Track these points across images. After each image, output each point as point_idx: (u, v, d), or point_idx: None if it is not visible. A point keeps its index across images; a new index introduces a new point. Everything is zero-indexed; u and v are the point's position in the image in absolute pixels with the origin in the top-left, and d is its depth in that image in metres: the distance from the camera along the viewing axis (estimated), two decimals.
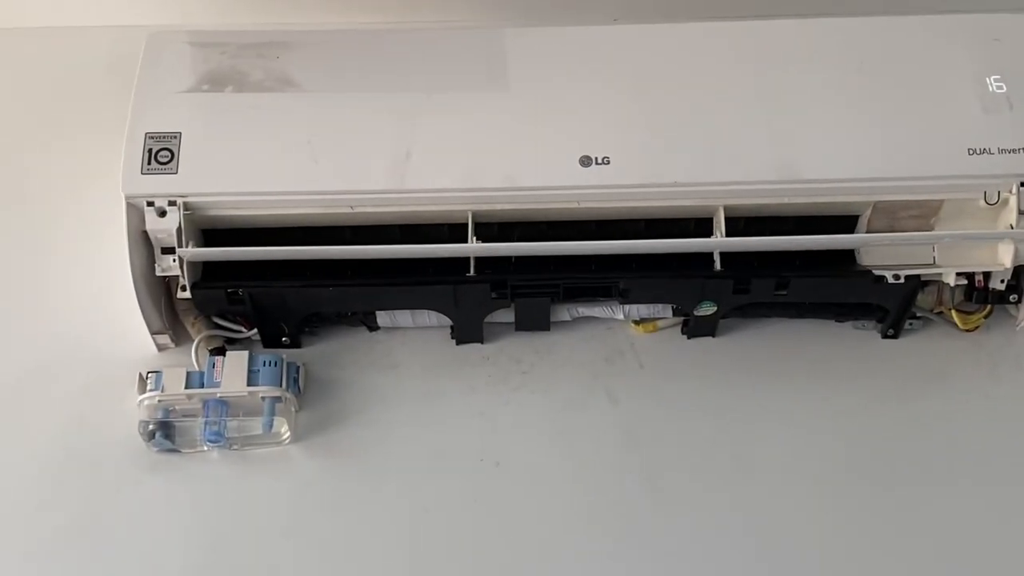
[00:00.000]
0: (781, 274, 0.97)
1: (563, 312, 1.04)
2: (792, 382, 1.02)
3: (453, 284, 0.97)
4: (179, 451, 0.97)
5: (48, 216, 1.09)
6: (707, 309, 1.00)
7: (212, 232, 0.98)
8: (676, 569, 0.93)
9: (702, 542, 0.94)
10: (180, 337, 1.03)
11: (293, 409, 0.98)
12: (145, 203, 0.94)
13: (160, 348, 1.03)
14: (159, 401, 0.96)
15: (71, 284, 1.06)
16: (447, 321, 1.03)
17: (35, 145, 1.14)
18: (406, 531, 0.94)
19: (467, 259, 0.97)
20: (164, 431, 0.96)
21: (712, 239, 0.96)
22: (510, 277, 0.97)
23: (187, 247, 0.95)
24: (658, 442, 0.99)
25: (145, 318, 0.98)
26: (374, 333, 1.05)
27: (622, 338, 1.05)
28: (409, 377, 1.02)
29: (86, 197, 1.08)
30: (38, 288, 1.06)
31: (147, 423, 0.96)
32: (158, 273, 0.96)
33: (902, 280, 0.98)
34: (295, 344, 1.03)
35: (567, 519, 0.95)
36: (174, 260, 0.96)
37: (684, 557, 0.93)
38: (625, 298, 1.00)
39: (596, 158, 0.95)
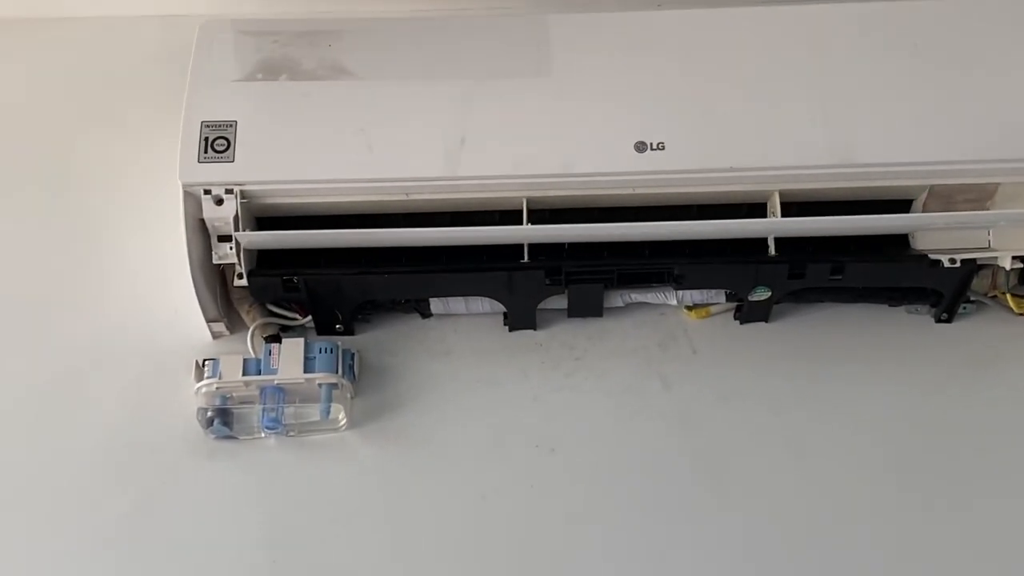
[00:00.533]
0: (837, 259, 0.97)
1: (616, 298, 1.04)
2: (845, 367, 1.02)
3: (508, 270, 0.97)
4: (236, 438, 0.98)
5: (103, 206, 1.10)
6: (761, 294, 1.00)
7: (267, 221, 0.98)
8: (730, 554, 0.93)
9: (756, 526, 0.94)
10: (233, 325, 1.04)
11: (349, 396, 0.99)
12: (202, 191, 0.94)
13: (215, 336, 1.03)
14: (217, 388, 0.97)
15: (124, 273, 1.07)
16: (500, 308, 1.03)
17: (90, 135, 1.14)
18: (464, 517, 0.95)
19: (520, 247, 0.97)
20: (222, 418, 0.96)
21: (769, 220, 0.96)
22: (564, 263, 0.98)
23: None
24: (712, 427, 0.99)
25: (201, 306, 0.99)
26: (427, 320, 1.05)
27: (675, 324, 1.05)
28: (463, 364, 1.03)
29: (140, 186, 1.09)
30: (91, 277, 1.07)
31: (205, 410, 0.96)
32: (215, 261, 0.97)
33: (958, 264, 0.97)
34: (348, 331, 1.04)
35: (623, 504, 0.95)
36: (231, 248, 0.96)
37: (738, 542, 0.93)
38: (679, 284, 1.00)
39: (651, 144, 0.95)
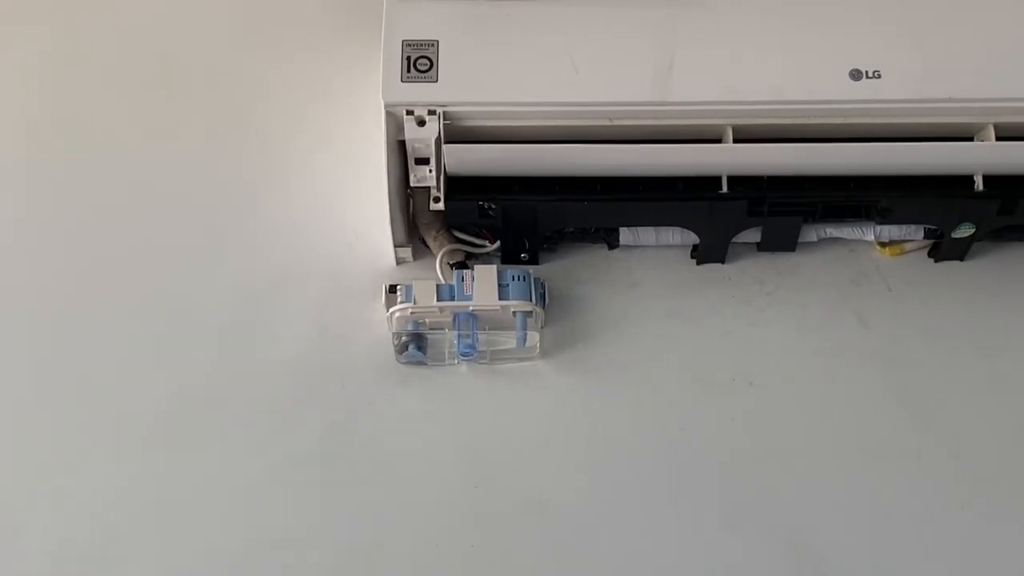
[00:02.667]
0: None
1: (810, 233, 1.01)
2: None
3: (709, 199, 0.95)
4: (427, 364, 0.97)
5: (292, 127, 1.08)
6: (965, 231, 0.98)
7: None
8: (932, 491, 0.92)
9: (956, 464, 0.93)
10: (416, 251, 1.02)
11: (540, 324, 0.97)
12: (405, 112, 0.92)
13: (399, 261, 1.02)
14: (411, 313, 0.96)
15: (307, 196, 1.05)
16: (690, 240, 1.01)
17: (283, 53, 1.12)
18: (663, 448, 0.94)
19: (714, 181, 0.95)
20: (417, 343, 0.95)
21: (988, 144, 0.92)
22: (768, 194, 0.95)
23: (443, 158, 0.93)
24: (912, 365, 0.97)
25: (393, 230, 0.98)
26: (611, 252, 1.03)
27: (866, 260, 1.02)
28: (650, 296, 1.01)
29: (327, 107, 1.08)
30: (277, 199, 1.05)
31: (400, 335, 0.95)
32: (412, 183, 0.95)
33: None
34: (533, 260, 1.02)
35: (824, 440, 0.94)
36: (430, 171, 0.94)
37: (938, 479, 0.92)
38: (884, 218, 0.97)
39: (867, 71, 0.92)
